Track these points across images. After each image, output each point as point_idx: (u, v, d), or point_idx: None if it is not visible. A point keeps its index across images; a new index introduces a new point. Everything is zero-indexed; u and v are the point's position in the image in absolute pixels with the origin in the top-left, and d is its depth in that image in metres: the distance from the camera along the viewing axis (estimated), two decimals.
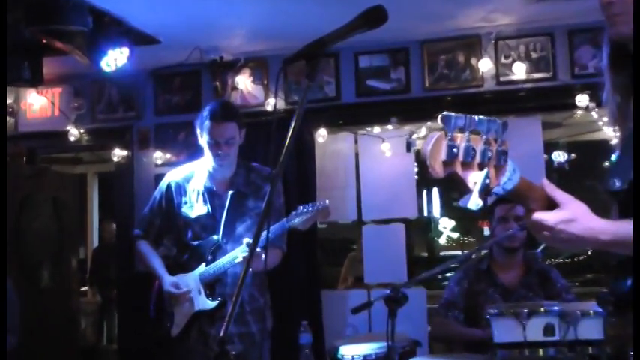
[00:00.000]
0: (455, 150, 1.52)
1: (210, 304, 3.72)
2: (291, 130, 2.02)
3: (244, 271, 2.06)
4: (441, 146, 1.51)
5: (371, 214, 5.98)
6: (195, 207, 3.83)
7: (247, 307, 3.78)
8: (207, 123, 3.70)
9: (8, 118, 6.38)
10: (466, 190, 1.56)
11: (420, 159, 1.53)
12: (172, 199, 3.89)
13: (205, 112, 3.75)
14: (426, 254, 14.40)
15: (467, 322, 4.16)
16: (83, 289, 9.01)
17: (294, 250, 4.87)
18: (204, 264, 3.75)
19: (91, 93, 6.28)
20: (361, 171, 6.04)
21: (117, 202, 6.35)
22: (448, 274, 8.06)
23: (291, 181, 5.40)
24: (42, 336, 5.69)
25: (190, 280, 3.76)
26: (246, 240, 3.56)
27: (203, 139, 3.76)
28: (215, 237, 3.77)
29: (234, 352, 3.17)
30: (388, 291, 3.22)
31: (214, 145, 3.70)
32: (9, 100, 6.38)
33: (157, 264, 3.87)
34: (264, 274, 3.79)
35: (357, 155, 6.10)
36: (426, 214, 13.85)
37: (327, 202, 3.65)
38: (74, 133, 6.14)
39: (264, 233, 2.06)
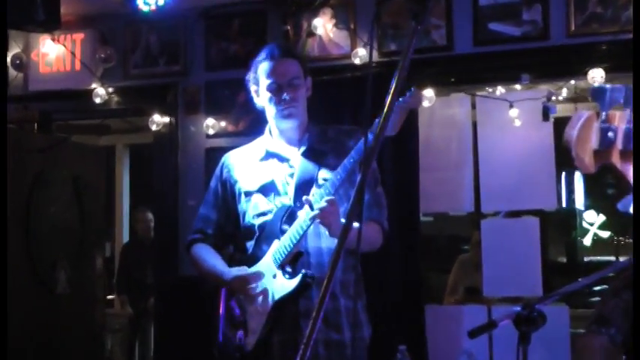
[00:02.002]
0: (611, 135, 1.46)
1: (290, 284, 3.54)
2: (391, 90, 1.99)
3: (338, 247, 2.02)
4: (591, 130, 1.46)
5: (493, 203, 5.97)
6: (256, 177, 3.78)
7: (341, 305, 3.65)
8: (263, 65, 3.72)
9: (15, 73, 6.51)
10: (627, 188, 1.50)
11: (563, 143, 1.48)
12: (229, 179, 3.88)
13: (260, 56, 3.77)
14: (564, 259, 14.17)
15: (627, 348, 4.04)
16: (109, 297, 9.19)
17: (390, 251, 4.85)
18: (276, 240, 3.64)
19: (123, 40, 6.38)
20: (480, 145, 6.00)
21: (155, 184, 6.46)
22: (597, 288, 7.93)
23: (386, 158, 5.37)
24: (57, 357, 5.81)
25: (262, 267, 3.65)
26: (304, 197, 3.46)
27: (261, 89, 3.75)
28: (287, 203, 3.68)
29: None
30: (518, 308, 3.17)
31: (276, 89, 3.69)
32: (16, 49, 6.51)
33: (217, 261, 3.80)
34: (358, 269, 3.70)
35: (474, 124, 6.06)
36: (565, 205, 13.60)
37: (413, 88, 3.53)
38: (100, 92, 6.25)
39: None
